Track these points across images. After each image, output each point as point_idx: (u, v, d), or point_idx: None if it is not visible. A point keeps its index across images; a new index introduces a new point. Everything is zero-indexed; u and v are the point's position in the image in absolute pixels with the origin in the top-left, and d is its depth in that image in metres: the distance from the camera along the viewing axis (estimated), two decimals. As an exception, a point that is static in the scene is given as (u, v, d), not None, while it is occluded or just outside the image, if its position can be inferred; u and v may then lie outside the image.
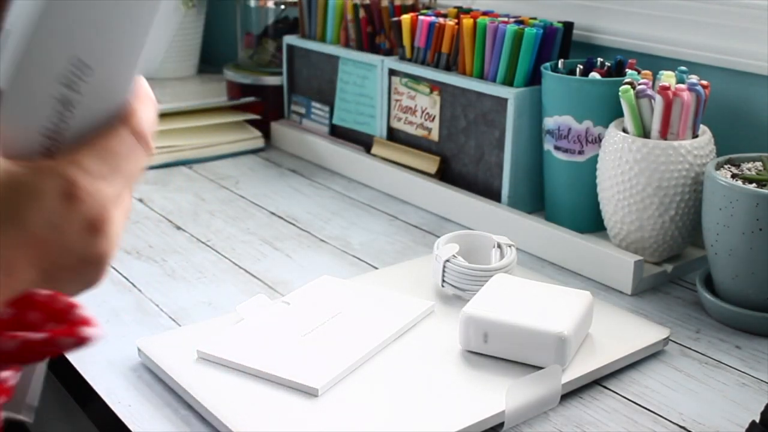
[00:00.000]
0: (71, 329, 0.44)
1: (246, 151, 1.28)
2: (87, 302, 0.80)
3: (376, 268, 0.88)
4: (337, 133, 1.22)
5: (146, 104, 0.45)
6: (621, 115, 0.86)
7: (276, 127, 1.31)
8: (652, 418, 0.64)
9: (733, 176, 0.79)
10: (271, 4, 1.39)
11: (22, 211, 0.41)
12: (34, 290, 0.43)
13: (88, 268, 0.47)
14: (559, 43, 0.98)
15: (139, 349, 0.71)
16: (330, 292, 0.78)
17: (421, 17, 1.05)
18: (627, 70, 0.92)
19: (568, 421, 0.64)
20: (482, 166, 1.01)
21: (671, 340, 0.75)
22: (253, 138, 1.29)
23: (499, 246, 0.82)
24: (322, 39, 1.23)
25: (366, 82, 1.15)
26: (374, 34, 1.15)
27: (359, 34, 1.16)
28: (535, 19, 1.00)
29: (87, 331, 0.44)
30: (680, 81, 0.85)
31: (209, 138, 1.27)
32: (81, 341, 0.44)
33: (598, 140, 0.90)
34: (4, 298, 0.41)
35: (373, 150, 1.14)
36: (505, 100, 0.96)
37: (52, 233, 0.42)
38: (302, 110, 1.28)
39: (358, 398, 0.64)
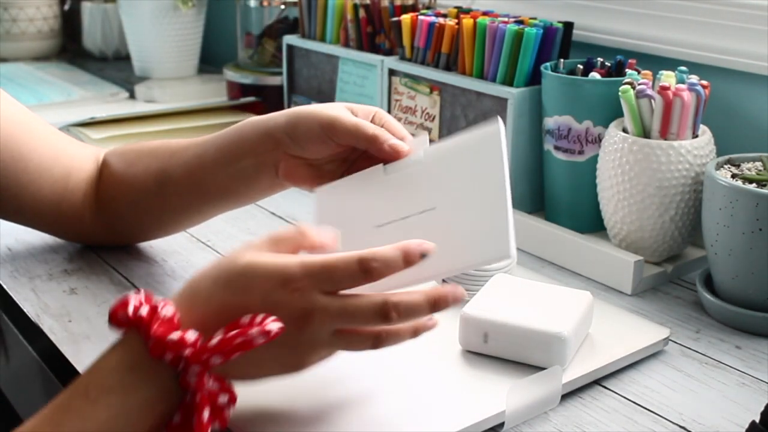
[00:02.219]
0: (261, 325, 0.54)
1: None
2: (86, 302, 0.80)
3: (376, 268, 0.88)
4: (337, 133, 1.21)
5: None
6: (621, 115, 0.86)
7: (276, 127, 1.31)
8: (652, 418, 0.64)
9: (733, 176, 0.79)
10: (269, 4, 1.39)
11: (251, 283, 0.55)
12: (238, 319, 0.55)
13: (288, 359, 0.59)
14: (559, 43, 0.98)
15: (139, 349, 0.71)
16: None
17: (421, 17, 1.05)
18: (627, 70, 0.92)
19: (568, 421, 0.64)
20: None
21: (671, 340, 0.75)
22: (253, 138, 1.29)
23: (499, 246, 0.82)
24: (322, 39, 1.23)
25: (366, 82, 1.15)
26: (374, 34, 1.15)
27: (359, 34, 1.16)
28: (535, 19, 1.00)
29: (272, 325, 0.54)
30: (680, 81, 0.85)
31: (209, 138, 1.27)
32: (266, 333, 0.53)
33: (598, 140, 0.90)
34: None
35: (373, 150, 1.14)
36: (505, 100, 0.96)
37: (262, 308, 0.55)
38: (302, 110, 1.28)
39: (358, 398, 0.64)
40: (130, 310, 0.55)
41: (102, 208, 0.86)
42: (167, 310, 0.55)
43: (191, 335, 0.54)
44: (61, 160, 0.84)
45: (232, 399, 0.56)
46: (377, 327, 0.57)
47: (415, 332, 0.60)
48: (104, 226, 0.87)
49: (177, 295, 0.58)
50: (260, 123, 0.75)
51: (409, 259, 0.56)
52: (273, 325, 0.53)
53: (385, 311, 0.56)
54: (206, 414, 0.54)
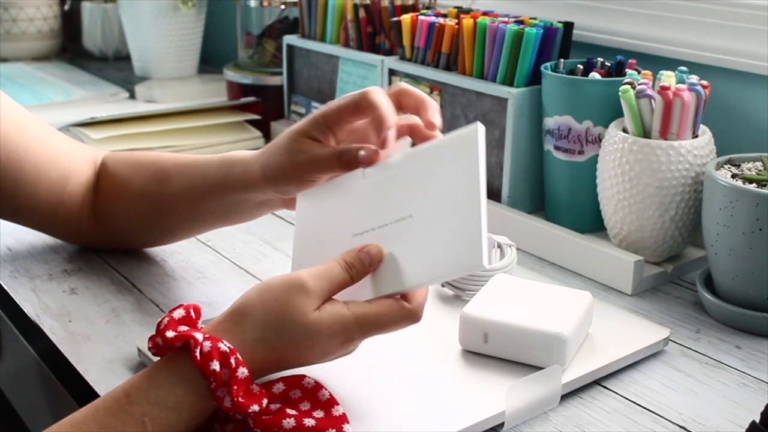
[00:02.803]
0: (337, 424, 0.58)
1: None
2: (86, 302, 0.80)
3: (376, 268, 0.88)
4: (337, 133, 1.21)
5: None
6: (621, 115, 0.86)
7: (276, 127, 1.31)
8: (652, 418, 0.64)
9: (733, 176, 0.79)
10: (269, 4, 1.39)
11: (315, 343, 0.59)
12: (304, 375, 0.60)
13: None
14: (559, 43, 0.98)
15: (139, 349, 0.71)
16: None
17: (421, 17, 1.05)
18: (627, 70, 0.92)
19: (568, 421, 0.64)
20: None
21: (671, 340, 0.75)
22: (253, 138, 1.29)
23: (499, 246, 0.82)
24: (322, 39, 1.23)
25: (366, 82, 1.15)
26: (374, 34, 1.15)
27: (359, 34, 1.16)
28: (535, 19, 1.00)
29: (347, 428, 0.58)
30: (680, 81, 0.85)
31: (209, 138, 1.27)
32: None
33: (598, 140, 0.90)
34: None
35: (373, 150, 1.14)
36: (505, 100, 0.96)
37: (321, 358, 0.61)
38: (302, 110, 1.28)
39: (358, 398, 0.64)
40: (197, 353, 0.56)
41: (99, 216, 0.86)
42: (243, 371, 0.56)
43: (265, 402, 0.57)
44: (59, 163, 0.84)
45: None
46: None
47: None
48: (101, 233, 0.87)
49: (237, 332, 0.58)
50: (247, 165, 0.73)
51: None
52: (347, 427, 0.58)
53: (416, 317, 0.61)
54: None
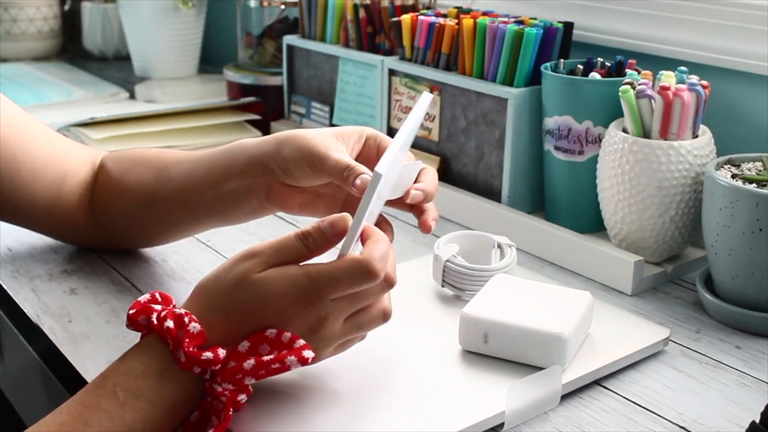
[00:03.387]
0: (297, 352, 0.58)
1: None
2: (86, 302, 0.80)
3: (376, 268, 0.88)
4: (337, 133, 1.22)
5: (380, 243, 0.60)
6: (621, 115, 0.86)
7: (276, 127, 1.31)
8: (652, 418, 0.64)
9: (733, 176, 0.79)
10: (269, 4, 1.39)
11: (266, 304, 0.58)
12: (265, 329, 0.58)
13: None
14: (559, 43, 0.98)
15: (139, 349, 0.71)
16: None
17: (421, 17, 1.05)
18: (627, 70, 0.92)
19: (568, 421, 0.64)
20: (482, 166, 1.01)
21: (671, 340, 0.75)
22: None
23: (499, 246, 0.82)
24: (322, 39, 1.23)
25: (366, 82, 1.15)
26: (374, 34, 1.15)
27: (359, 34, 1.16)
28: (535, 19, 1.00)
29: (307, 353, 0.58)
30: (680, 81, 0.85)
31: (209, 138, 1.27)
32: (303, 360, 0.57)
33: (598, 140, 0.90)
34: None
35: (373, 150, 1.14)
36: (505, 100, 0.96)
37: (279, 322, 0.59)
38: (302, 110, 1.28)
39: (358, 398, 0.64)
40: (154, 318, 0.59)
41: (96, 214, 0.86)
42: (194, 326, 0.58)
43: (222, 353, 0.57)
44: (55, 164, 0.84)
45: (248, 394, 0.59)
46: (382, 299, 0.62)
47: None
48: (97, 231, 0.87)
49: (193, 305, 0.60)
50: (250, 148, 0.74)
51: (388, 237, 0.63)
52: (308, 353, 0.57)
53: (371, 270, 0.59)
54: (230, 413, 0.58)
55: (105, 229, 0.87)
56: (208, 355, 0.56)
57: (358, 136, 0.73)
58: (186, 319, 0.58)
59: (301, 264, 0.60)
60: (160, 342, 0.58)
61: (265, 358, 0.57)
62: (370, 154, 0.73)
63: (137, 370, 0.58)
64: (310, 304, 0.58)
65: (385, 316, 0.63)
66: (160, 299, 0.62)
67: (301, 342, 0.58)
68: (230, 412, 0.57)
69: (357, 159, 0.72)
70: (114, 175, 0.85)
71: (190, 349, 0.56)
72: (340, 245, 0.61)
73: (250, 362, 0.57)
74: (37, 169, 0.83)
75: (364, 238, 0.61)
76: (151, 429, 0.57)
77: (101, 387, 0.57)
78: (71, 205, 0.85)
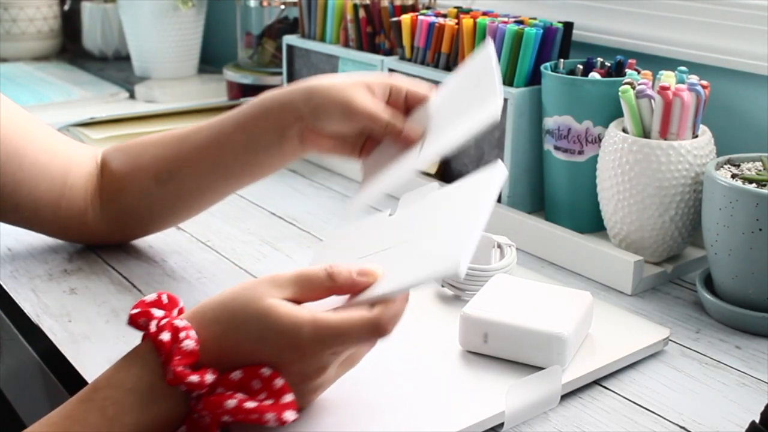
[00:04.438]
0: (279, 410, 0.55)
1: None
2: (86, 302, 0.80)
3: (376, 268, 0.88)
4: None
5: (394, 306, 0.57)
6: (621, 115, 0.86)
7: (276, 127, 1.31)
8: (652, 418, 0.64)
9: (733, 176, 0.79)
10: (269, 4, 1.39)
11: (265, 335, 0.55)
12: (263, 365, 0.56)
13: (296, 397, 0.57)
14: (559, 43, 0.98)
15: (139, 349, 0.71)
16: None
17: (421, 17, 1.05)
18: (627, 70, 0.92)
19: (568, 421, 0.64)
20: (482, 166, 1.01)
21: (671, 340, 0.75)
22: (253, 138, 1.29)
23: (499, 246, 0.82)
24: (322, 39, 1.23)
25: (366, 82, 1.15)
26: (374, 34, 1.15)
27: (359, 34, 1.16)
28: (535, 19, 1.00)
29: (288, 414, 0.55)
30: (680, 81, 0.85)
31: (209, 138, 1.27)
32: (281, 421, 0.55)
33: (598, 140, 0.90)
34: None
35: (373, 150, 1.14)
36: (505, 101, 0.96)
37: (275, 364, 0.56)
38: (302, 110, 1.28)
39: (358, 398, 0.64)
40: (153, 326, 0.56)
41: (108, 201, 0.86)
42: (188, 343, 0.55)
43: (209, 378, 0.55)
44: (57, 157, 0.84)
45: None
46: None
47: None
48: (110, 221, 0.87)
49: (196, 318, 0.57)
50: (281, 96, 0.78)
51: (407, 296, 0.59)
52: (289, 414, 0.55)
53: (381, 331, 0.57)
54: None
55: (116, 217, 0.86)
56: (194, 378, 0.54)
57: (384, 87, 0.76)
58: (182, 334, 0.55)
59: (311, 311, 0.57)
60: (154, 352, 0.56)
61: (246, 405, 0.54)
62: (396, 105, 0.77)
63: (128, 382, 0.56)
64: (306, 356, 0.56)
65: (371, 348, 0.62)
66: (165, 302, 0.60)
67: (288, 398, 0.55)
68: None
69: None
70: (123, 162, 0.85)
71: (179, 369, 0.54)
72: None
73: (232, 402, 0.54)
74: (40, 163, 0.83)
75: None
76: None
77: (91, 400, 0.55)
78: (77, 197, 0.85)
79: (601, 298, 0.80)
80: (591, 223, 0.93)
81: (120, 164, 0.85)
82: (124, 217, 0.86)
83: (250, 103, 0.80)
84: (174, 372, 0.54)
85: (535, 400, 0.64)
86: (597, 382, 0.69)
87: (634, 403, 0.66)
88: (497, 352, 0.69)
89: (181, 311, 0.60)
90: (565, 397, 0.66)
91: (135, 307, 0.59)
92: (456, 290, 0.79)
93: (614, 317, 0.76)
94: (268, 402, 0.55)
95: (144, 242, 0.93)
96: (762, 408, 0.56)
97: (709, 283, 0.82)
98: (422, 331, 0.74)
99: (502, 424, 0.62)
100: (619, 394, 0.67)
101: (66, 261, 0.89)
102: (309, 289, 0.58)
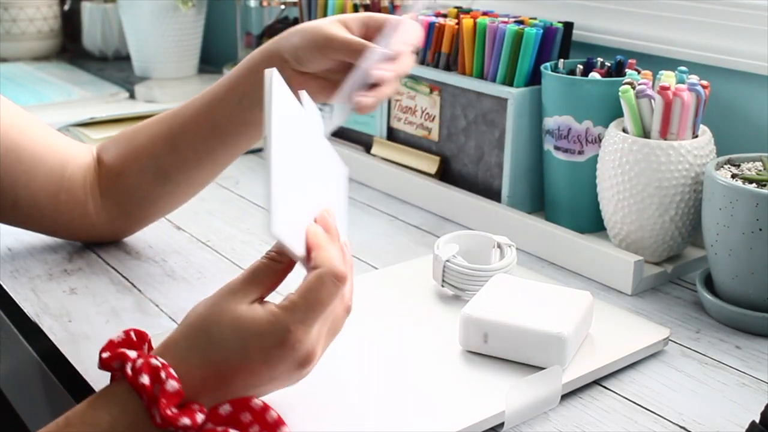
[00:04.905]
0: None
1: (246, 151, 1.27)
2: (86, 302, 0.80)
3: (376, 268, 0.88)
4: (337, 132, 1.21)
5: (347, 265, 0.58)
6: (621, 115, 0.86)
7: (276, 127, 1.31)
8: (652, 418, 0.64)
9: (733, 176, 0.79)
10: (269, 4, 1.39)
11: (247, 344, 0.54)
12: (252, 397, 0.55)
13: (288, 383, 0.59)
14: (559, 43, 0.98)
15: (139, 349, 0.71)
16: None
17: (421, 17, 1.05)
18: (627, 70, 0.92)
19: (568, 421, 0.64)
20: (482, 166, 1.01)
21: (671, 340, 0.75)
22: (253, 138, 1.29)
23: (499, 246, 0.82)
24: (322, 39, 1.23)
25: (366, 82, 1.15)
26: (374, 34, 1.15)
27: (359, 34, 1.16)
28: (535, 19, 1.00)
29: None
30: (680, 81, 0.85)
31: (209, 138, 1.27)
32: None
33: (598, 140, 0.90)
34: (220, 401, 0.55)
35: (373, 150, 1.14)
36: (505, 100, 0.96)
37: (266, 367, 0.55)
38: (302, 110, 1.28)
39: (358, 398, 0.64)
40: (128, 369, 0.54)
41: (107, 189, 0.86)
42: (172, 384, 0.53)
43: (200, 417, 0.54)
44: (55, 151, 0.84)
45: None
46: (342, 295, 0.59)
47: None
48: (111, 209, 0.87)
49: (169, 353, 0.56)
50: (268, 46, 0.81)
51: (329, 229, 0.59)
52: None
53: (336, 274, 0.56)
54: None
55: (118, 203, 0.87)
56: (186, 421, 0.53)
57: (359, 21, 0.78)
58: (162, 375, 0.53)
59: (277, 303, 0.56)
60: (133, 393, 0.54)
61: None
62: (374, 36, 0.77)
63: (104, 422, 0.54)
64: (297, 342, 0.55)
65: (347, 311, 0.61)
66: (135, 339, 0.58)
67: (285, 431, 0.55)
68: None
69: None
70: (120, 146, 0.86)
71: (168, 412, 0.53)
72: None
73: None
74: (37, 156, 0.83)
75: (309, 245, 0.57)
76: None
77: None
78: (77, 188, 0.85)
79: (601, 298, 0.80)
80: (591, 223, 0.93)
81: (116, 150, 0.86)
82: (125, 203, 0.86)
83: (242, 62, 0.82)
84: (163, 416, 0.53)
85: (535, 400, 0.64)
86: (597, 382, 0.69)
87: (634, 403, 0.66)
88: (497, 352, 0.69)
89: (150, 346, 0.58)
90: (565, 397, 0.66)
91: (104, 349, 0.56)
92: (456, 290, 0.79)
93: (614, 317, 0.76)
94: None
95: (144, 242, 0.93)
96: (762, 408, 0.56)
97: (709, 283, 0.82)
98: (422, 331, 0.74)
99: (502, 424, 0.62)
100: (619, 394, 0.67)
101: (66, 261, 0.89)
102: (267, 280, 0.58)
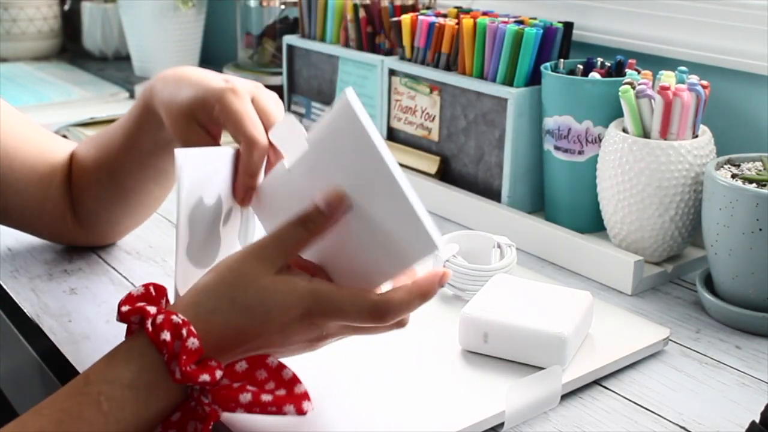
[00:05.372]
0: (297, 400, 0.56)
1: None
2: (86, 302, 0.80)
3: (376, 268, 0.88)
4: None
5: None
6: (621, 115, 0.86)
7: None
8: (652, 418, 0.64)
9: (733, 176, 0.79)
10: (269, 4, 1.39)
11: (270, 315, 0.56)
12: (268, 355, 0.57)
13: (295, 354, 0.61)
14: (559, 43, 0.98)
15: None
16: None
17: (421, 17, 1.05)
18: (627, 70, 0.92)
19: (568, 421, 0.64)
20: (482, 166, 1.01)
21: (671, 340, 0.75)
22: (253, 138, 1.29)
23: (499, 246, 0.82)
24: (322, 39, 1.23)
25: (366, 82, 1.15)
26: (374, 34, 1.15)
27: (359, 34, 1.16)
28: (535, 19, 1.00)
29: (307, 405, 0.56)
30: (680, 81, 0.85)
31: (209, 138, 1.27)
32: (301, 412, 0.55)
33: (598, 140, 0.90)
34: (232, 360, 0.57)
35: (373, 150, 1.14)
36: (505, 100, 0.96)
37: (281, 337, 0.57)
38: (302, 110, 1.28)
39: (358, 398, 0.64)
40: (149, 324, 0.55)
41: (76, 209, 0.86)
42: (193, 342, 0.54)
43: (219, 374, 0.55)
44: (46, 158, 0.84)
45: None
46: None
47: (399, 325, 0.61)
48: (82, 227, 0.87)
49: (190, 310, 0.56)
50: (149, 105, 0.75)
51: (426, 295, 0.58)
52: (307, 405, 0.56)
53: (381, 314, 0.57)
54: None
55: (86, 223, 0.87)
56: (206, 377, 0.54)
57: (249, 93, 0.70)
58: (184, 331, 0.54)
59: (313, 277, 0.58)
60: (152, 348, 0.55)
61: (263, 398, 0.55)
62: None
63: (125, 378, 0.54)
64: (313, 324, 0.57)
65: (378, 329, 0.60)
66: (154, 294, 0.59)
67: (301, 388, 0.56)
68: (210, 427, 0.55)
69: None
70: (78, 164, 0.85)
71: (187, 368, 0.54)
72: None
73: (247, 396, 0.55)
74: (28, 165, 0.82)
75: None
76: None
77: (84, 393, 0.54)
78: (60, 201, 0.85)
79: (601, 298, 0.80)
80: (591, 223, 0.93)
81: (78, 166, 0.85)
82: (90, 220, 0.86)
83: (136, 105, 0.77)
84: (183, 372, 0.54)
85: (535, 400, 0.64)
86: (597, 382, 0.69)
87: (634, 403, 0.66)
88: (497, 352, 0.69)
89: (167, 301, 0.59)
90: (565, 397, 0.66)
91: (124, 302, 0.57)
92: (456, 290, 0.79)
93: (614, 317, 0.76)
94: (282, 392, 0.56)
95: (144, 242, 0.93)
96: (762, 408, 0.56)
97: (709, 283, 0.82)
98: (422, 331, 0.74)
99: (502, 424, 0.62)
100: (619, 394, 0.67)
101: (66, 261, 0.89)
102: (292, 248, 0.58)
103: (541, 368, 0.66)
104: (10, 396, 0.93)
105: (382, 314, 0.56)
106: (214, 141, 0.69)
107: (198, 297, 0.57)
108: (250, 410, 0.55)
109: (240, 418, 0.61)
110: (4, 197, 0.82)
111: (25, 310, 0.79)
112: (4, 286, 0.84)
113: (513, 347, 0.68)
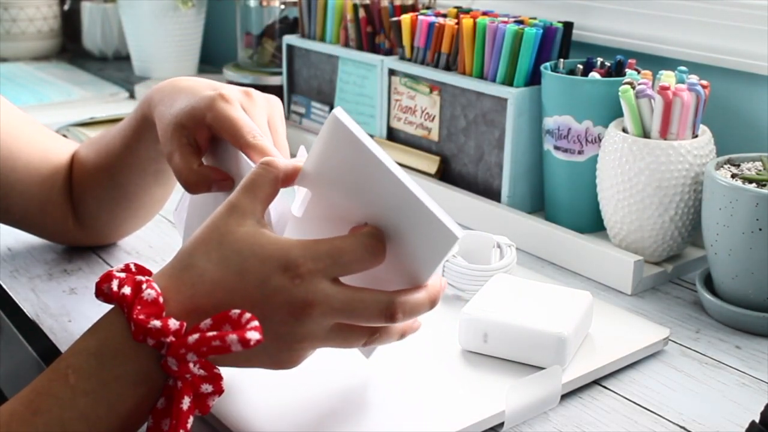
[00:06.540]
0: (240, 330, 0.50)
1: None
2: (86, 302, 0.80)
3: (376, 268, 0.88)
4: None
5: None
6: (621, 115, 0.86)
7: (276, 127, 1.31)
8: (652, 418, 0.64)
9: (733, 176, 0.79)
10: (269, 4, 1.39)
11: (246, 265, 0.52)
12: (230, 310, 0.52)
13: (279, 341, 0.54)
14: (559, 43, 0.98)
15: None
16: None
17: (420, 17, 1.05)
18: (627, 70, 0.92)
19: (568, 421, 0.64)
20: (482, 166, 1.01)
21: (671, 340, 0.75)
22: (253, 138, 1.29)
23: (499, 246, 0.82)
24: (322, 39, 1.23)
25: (366, 82, 1.15)
26: (374, 34, 1.15)
27: (359, 34, 1.16)
28: (535, 19, 1.00)
29: (251, 334, 0.50)
30: (680, 81, 0.85)
31: (209, 138, 1.27)
32: (244, 341, 0.50)
33: (598, 140, 0.90)
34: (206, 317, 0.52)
35: (373, 150, 1.14)
36: (505, 100, 0.96)
37: (258, 293, 0.52)
38: (302, 110, 1.28)
39: (357, 397, 0.64)
40: (114, 285, 0.54)
41: (77, 211, 0.86)
42: (150, 292, 0.52)
43: (173, 323, 0.51)
44: (49, 160, 0.84)
45: (218, 389, 0.54)
46: (377, 325, 0.56)
47: (403, 335, 0.60)
48: (83, 228, 0.87)
49: (168, 267, 0.55)
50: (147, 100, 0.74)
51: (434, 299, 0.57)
52: (252, 334, 0.50)
53: (392, 311, 0.54)
54: (186, 402, 0.52)
55: (88, 225, 0.87)
56: (156, 323, 0.51)
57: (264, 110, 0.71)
58: (144, 286, 0.52)
59: (300, 239, 0.54)
60: (120, 315, 0.53)
61: (208, 333, 0.51)
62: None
63: (91, 347, 0.53)
64: (298, 277, 0.51)
65: (369, 340, 0.57)
66: (134, 270, 0.57)
67: (255, 323, 0.51)
68: (185, 399, 0.52)
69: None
70: (79, 166, 0.85)
71: (138, 317, 0.51)
72: None
73: (194, 336, 0.51)
74: (32, 166, 0.82)
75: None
76: (108, 415, 0.52)
77: (54, 369, 0.52)
78: (62, 203, 0.85)
79: (601, 298, 0.80)
80: (591, 223, 0.93)
81: (79, 167, 0.85)
82: (91, 222, 0.86)
83: (135, 112, 0.77)
84: (135, 321, 0.51)
85: (535, 400, 0.64)
86: (597, 382, 0.69)
87: (634, 403, 0.66)
88: (497, 352, 0.69)
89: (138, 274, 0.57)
90: (565, 397, 0.66)
91: (101, 278, 0.55)
92: (456, 290, 0.79)
93: (614, 317, 0.76)
94: (228, 328, 0.52)
95: (144, 242, 0.93)
96: (762, 408, 0.56)
97: (709, 283, 0.82)
98: (422, 331, 0.74)
99: (502, 424, 0.62)
100: (619, 394, 0.67)
101: (66, 261, 0.89)
102: (265, 189, 0.56)
103: (541, 368, 0.66)
104: (9, 396, 0.93)
105: (393, 309, 0.54)
106: (199, 152, 0.68)
107: (173, 260, 0.55)
108: (198, 352, 0.51)
109: (240, 418, 0.61)
110: (6, 199, 0.82)
111: (25, 310, 0.79)
112: (4, 286, 0.84)
113: (513, 347, 0.68)
